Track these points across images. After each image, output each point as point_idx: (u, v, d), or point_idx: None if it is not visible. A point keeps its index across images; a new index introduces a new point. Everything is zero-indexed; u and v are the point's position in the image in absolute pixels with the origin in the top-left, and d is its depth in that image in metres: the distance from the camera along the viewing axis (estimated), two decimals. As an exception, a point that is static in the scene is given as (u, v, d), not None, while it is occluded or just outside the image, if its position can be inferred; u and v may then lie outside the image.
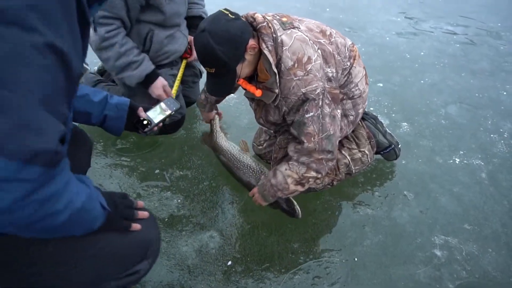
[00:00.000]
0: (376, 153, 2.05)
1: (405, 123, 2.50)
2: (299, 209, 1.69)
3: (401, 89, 2.91)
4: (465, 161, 2.21)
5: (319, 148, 1.53)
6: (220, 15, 1.39)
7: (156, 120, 1.33)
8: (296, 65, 1.44)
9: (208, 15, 1.46)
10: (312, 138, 1.51)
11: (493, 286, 1.55)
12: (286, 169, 1.60)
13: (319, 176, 1.61)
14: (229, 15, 1.39)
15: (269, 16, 1.54)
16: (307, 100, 1.46)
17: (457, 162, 2.20)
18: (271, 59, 1.43)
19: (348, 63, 1.67)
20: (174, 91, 2.08)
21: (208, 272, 1.57)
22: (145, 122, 1.31)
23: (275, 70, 1.44)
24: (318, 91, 1.45)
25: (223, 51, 1.35)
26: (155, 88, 1.98)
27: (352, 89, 1.74)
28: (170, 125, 2.17)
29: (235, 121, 2.46)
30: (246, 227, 1.77)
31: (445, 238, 1.73)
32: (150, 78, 1.95)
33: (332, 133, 1.53)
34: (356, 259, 1.64)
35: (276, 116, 1.62)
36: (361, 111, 1.85)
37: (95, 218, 0.92)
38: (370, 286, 1.55)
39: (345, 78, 1.67)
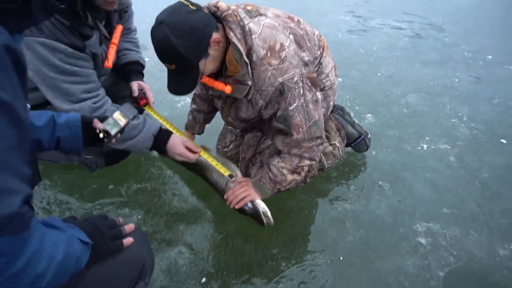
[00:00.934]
0: (347, 145, 1.97)
1: (369, 115, 2.46)
2: (270, 215, 1.52)
3: (360, 83, 2.90)
4: (432, 147, 2.19)
5: (308, 136, 1.44)
6: (179, 6, 1.22)
7: (113, 132, 1.13)
8: (269, 53, 1.32)
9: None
10: (300, 129, 1.41)
11: (481, 268, 1.49)
12: (278, 162, 1.51)
13: (313, 162, 1.54)
14: (190, 6, 1.22)
15: (232, 5, 1.39)
16: (286, 91, 1.33)
17: (425, 148, 2.19)
18: (241, 48, 1.28)
19: (318, 52, 1.58)
20: (182, 135, 1.74)
21: (180, 293, 1.36)
22: (101, 135, 1.10)
23: (247, 60, 1.30)
24: (296, 78, 1.34)
25: (183, 45, 1.19)
26: (173, 147, 1.57)
27: (323, 80, 1.65)
28: (114, 154, 1.84)
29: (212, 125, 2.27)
30: (218, 237, 1.59)
31: (427, 225, 1.67)
32: (161, 138, 1.59)
33: (317, 118, 1.45)
34: (341, 258, 1.52)
35: (250, 111, 1.47)
36: (331, 103, 1.77)
37: (79, 259, 0.80)
38: (360, 284, 1.43)
39: (316, 68, 1.57)
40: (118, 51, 1.85)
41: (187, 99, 2.53)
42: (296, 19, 1.53)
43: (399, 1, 5.02)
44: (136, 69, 1.98)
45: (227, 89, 1.37)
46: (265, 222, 1.49)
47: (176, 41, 1.18)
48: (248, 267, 1.47)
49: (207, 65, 1.32)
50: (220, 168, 1.57)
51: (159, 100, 2.51)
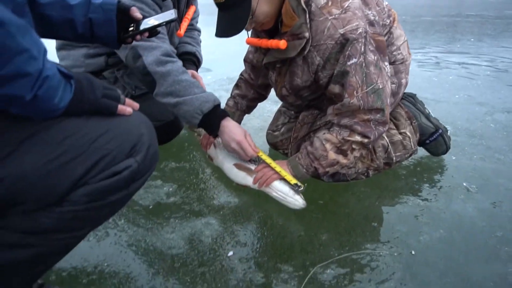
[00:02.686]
0: (420, 143, 1.64)
1: (448, 127, 2.09)
2: (298, 197, 1.25)
3: (435, 103, 2.56)
4: (534, 158, 1.74)
5: (365, 105, 1.18)
6: None
7: (141, 27, 1.01)
8: (330, 2, 1.16)
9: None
10: (354, 92, 1.17)
11: None
12: (324, 133, 1.27)
13: (366, 141, 1.24)
14: None
15: None
16: (347, 43, 1.13)
17: (524, 159, 1.74)
18: None
19: (388, 21, 1.38)
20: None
21: (199, 263, 1.09)
22: (130, 27, 0.98)
23: (305, 7, 1.15)
24: (360, 30, 1.14)
25: None
26: (233, 133, 1.33)
27: (394, 52, 1.42)
28: (162, 129, 1.69)
29: (246, 123, 2.12)
30: (257, 215, 1.32)
31: (537, 231, 1.22)
32: (219, 112, 1.39)
33: (380, 86, 1.19)
34: (413, 252, 1.14)
35: (305, 75, 1.27)
36: (403, 81, 1.50)
37: (56, 89, 0.63)
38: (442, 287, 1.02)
39: (386, 37, 1.36)
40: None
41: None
42: None
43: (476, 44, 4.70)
44: (190, 59, 1.94)
45: (282, 43, 1.20)
46: (293, 201, 1.24)
47: None
48: (289, 248, 1.16)
49: (261, 4, 1.18)
50: (286, 175, 1.30)
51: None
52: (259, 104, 1.73)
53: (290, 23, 1.19)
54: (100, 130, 0.71)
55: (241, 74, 1.67)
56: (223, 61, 3.65)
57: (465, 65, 3.71)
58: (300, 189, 1.26)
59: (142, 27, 0.96)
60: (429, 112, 1.67)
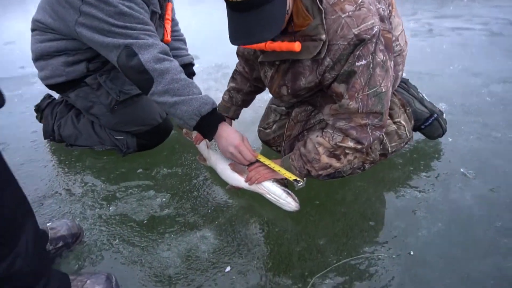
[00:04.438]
0: (415, 128, 1.60)
1: (442, 104, 2.05)
2: (290, 199, 1.24)
3: (429, 77, 2.51)
4: (531, 134, 1.71)
5: (364, 108, 1.11)
6: None
7: None
8: None
9: None
10: (355, 94, 1.09)
11: None
12: (317, 136, 1.22)
13: (359, 147, 1.19)
14: None
15: None
16: (361, 43, 1.04)
17: (521, 135, 1.71)
18: None
19: (388, 10, 1.28)
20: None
21: (197, 283, 1.07)
22: None
23: (321, 7, 1.03)
24: (375, 30, 1.04)
25: None
26: (230, 138, 1.32)
27: (393, 44, 1.34)
28: (150, 133, 1.71)
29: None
30: (252, 223, 1.30)
31: (536, 218, 1.21)
32: (217, 115, 1.37)
33: (384, 90, 1.11)
34: (412, 253, 1.12)
35: (312, 76, 1.17)
36: (400, 73, 1.44)
37: None
38: (442, 288, 1.02)
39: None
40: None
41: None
42: None
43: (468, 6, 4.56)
44: (188, 74, 1.96)
45: (297, 46, 1.08)
46: (286, 203, 1.24)
47: None
48: (287, 258, 1.14)
49: None
50: (285, 173, 1.28)
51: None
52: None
53: (303, 23, 1.09)
54: None
55: (236, 66, 1.60)
56: (210, 45, 3.52)
57: (459, 30, 3.61)
58: (300, 184, 1.23)
59: None
60: (423, 96, 1.62)
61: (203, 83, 2.53)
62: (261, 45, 1.16)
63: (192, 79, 2.08)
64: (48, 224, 1.20)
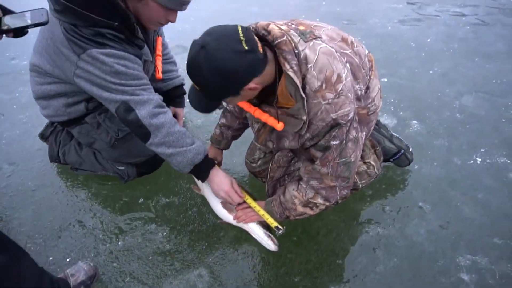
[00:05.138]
0: (385, 160, 1.81)
1: (415, 121, 2.24)
2: (270, 242, 1.47)
3: (409, 83, 2.65)
4: (487, 160, 1.93)
5: (333, 173, 1.30)
6: (231, 39, 1.05)
7: (7, 23, 0.90)
8: (324, 85, 1.16)
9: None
10: (327, 163, 1.28)
11: (537, 316, 1.29)
12: (293, 189, 1.42)
13: (327, 204, 1.40)
14: (243, 44, 1.04)
15: (282, 25, 1.23)
16: (336, 126, 1.20)
17: (478, 162, 1.93)
18: (297, 81, 1.14)
19: (368, 76, 1.40)
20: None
21: (196, 320, 1.36)
22: None
23: (303, 95, 1.16)
24: (350, 116, 1.19)
25: (213, 82, 1.09)
26: (221, 183, 1.56)
27: (368, 105, 1.45)
28: (147, 163, 1.90)
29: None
30: (239, 260, 1.56)
31: (472, 258, 1.48)
32: (209, 162, 1.60)
33: (352, 160, 1.29)
34: (368, 292, 1.40)
35: (294, 142, 1.34)
36: (372, 128, 1.59)
37: None
38: (387, 325, 1.31)
39: (365, 92, 1.42)
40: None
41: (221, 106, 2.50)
42: (349, 41, 1.35)
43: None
44: (177, 95, 2.16)
45: (279, 126, 1.24)
46: (267, 245, 1.47)
47: (207, 75, 1.07)
48: (267, 295, 1.42)
49: (233, 100, 1.24)
50: (268, 219, 1.50)
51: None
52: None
53: (287, 104, 1.23)
54: None
55: (227, 105, 1.73)
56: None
57: (447, 16, 3.64)
58: (280, 232, 1.47)
59: (7, 23, 0.90)
60: (392, 134, 1.81)
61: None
62: (249, 110, 1.31)
63: (183, 97, 2.22)
64: (67, 271, 1.44)
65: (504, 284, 1.38)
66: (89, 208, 1.83)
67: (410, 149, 1.83)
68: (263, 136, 1.47)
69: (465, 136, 2.11)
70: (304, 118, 1.19)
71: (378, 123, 1.80)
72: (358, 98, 1.28)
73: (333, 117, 1.18)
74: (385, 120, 2.24)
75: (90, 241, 1.66)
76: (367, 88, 1.40)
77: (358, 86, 1.30)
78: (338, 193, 1.38)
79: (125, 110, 1.50)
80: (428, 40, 3.23)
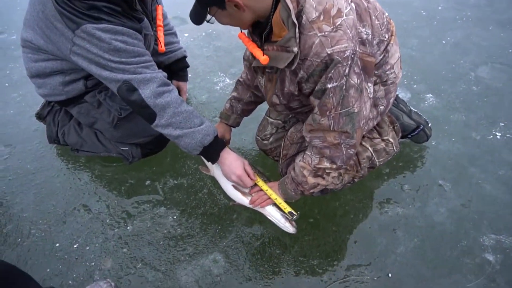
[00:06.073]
0: (403, 137, 1.73)
1: (430, 95, 2.14)
2: (288, 225, 1.40)
3: (421, 54, 2.53)
4: (508, 135, 1.86)
5: (335, 125, 1.20)
6: None
7: None
8: (321, 17, 1.08)
9: None
10: (327, 112, 1.18)
11: None
12: (300, 160, 1.36)
13: (334, 166, 1.31)
14: None
15: None
16: (332, 63, 1.10)
17: (498, 137, 1.86)
18: (290, 6, 1.07)
19: (386, 36, 1.30)
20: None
21: (214, 307, 1.31)
22: None
23: (295, 21, 1.08)
24: (347, 53, 1.09)
25: None
26: (233, 166, 1.47)
27: (387, 72, 1.36)
28: (153, 142, 1.80)
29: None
30: (255, 243, 1.50)
31: (496, 238, 1.43)
32: (219, 143, 1.50)
33: (356, 110, 1.19)
34: (390, 275, 1.36)
35: (293, 86, 1.26)
36: (392, 100, 1.49)
37: None
38: (411, 308, 1.27)
39: (381, 56, 1.31)
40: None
41: (226, 80, 2.38)
42: None
43: None
44: (179, 68, 2.08)
45: (263, 59, 1.18)
46: (285, 227, 1.40)
47: None
48: (286, 279, 1.37)
49: (220, 16, 1.18)
50: (280, 203, 1.42)
51: (197, 81, 2.38)
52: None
53: (280, 34, 1.15)
54: None
55: (240, 76, 1.66)
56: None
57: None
58: (294, 217, 1.41)
59: None
60: (411, 109, 1.72)
61: (192, 51, 2.51)
62: (245, 42, 1.26)
63: (186, 71, 2.11)
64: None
65: (531, 264, 1.34)
66: (93, 191, 1.75)
67: (429, 125, 1.74)
68: (270, 92, 1.38)
69: (483, 109, 2.02)
70: (295, 49, 1.11)
71: (397, 98, 1.70)
72: (362, 42, 1.17)
73: (328, 52, 1.08)
74: (399, 94, 2.14)
75: (97, 226, 1.59)
76: (386, 51, 1.31)
77: (363, 29, 1.18)
78: (343, 152, 1.28)
79: (127, 90, 1.38)
80: (439, 7, 3.07)
